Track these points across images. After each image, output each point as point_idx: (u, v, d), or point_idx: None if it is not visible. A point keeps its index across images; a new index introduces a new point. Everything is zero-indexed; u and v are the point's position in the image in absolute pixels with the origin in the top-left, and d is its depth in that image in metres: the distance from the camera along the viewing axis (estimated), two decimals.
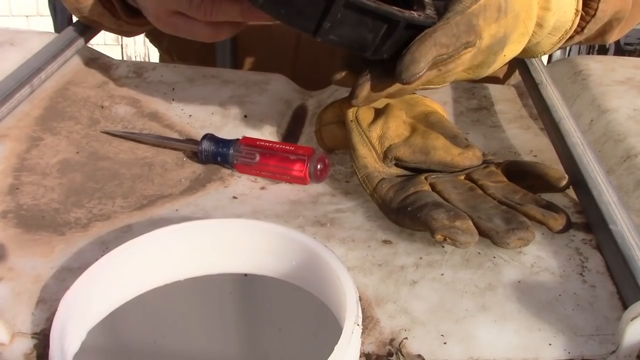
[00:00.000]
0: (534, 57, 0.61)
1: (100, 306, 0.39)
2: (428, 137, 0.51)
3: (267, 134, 0.62)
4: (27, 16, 3.58)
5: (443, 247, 0.44)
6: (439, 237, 0.42)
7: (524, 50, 0.55)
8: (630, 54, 3.20)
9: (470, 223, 0.43)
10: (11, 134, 0.58)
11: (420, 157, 0.50)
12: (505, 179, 0.49)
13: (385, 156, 0.51)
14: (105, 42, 2.48)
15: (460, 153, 0.50)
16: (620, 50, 2.94)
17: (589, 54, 1.31)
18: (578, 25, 0.57)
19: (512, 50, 0.52)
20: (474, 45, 0.46)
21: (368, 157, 0.51)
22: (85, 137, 0.59)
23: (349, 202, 0.51)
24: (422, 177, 0.49)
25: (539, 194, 0.48)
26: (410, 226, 0.46)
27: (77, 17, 0.71)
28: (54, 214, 0.48)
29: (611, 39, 0.66)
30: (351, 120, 0.53)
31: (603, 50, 1.67)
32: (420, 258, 0.43)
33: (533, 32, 0.53)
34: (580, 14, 0.56)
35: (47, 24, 0.93)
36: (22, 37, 0.72)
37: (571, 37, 0.59)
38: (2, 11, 3.27)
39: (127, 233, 0.46)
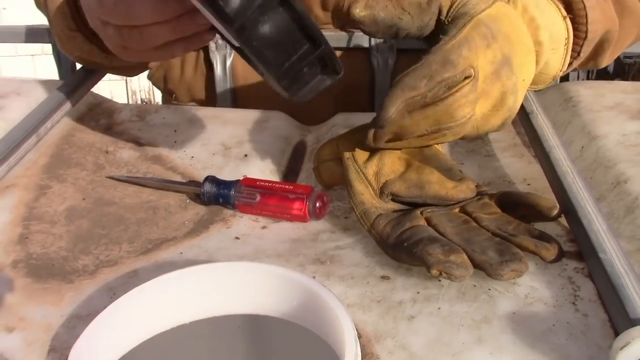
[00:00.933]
0: (551, 81, 0.62)
1: (110, 352, 0.40)
2: (422, 171, 0.53)
3: (268, 172, 0.63)
4: (32, 55, 3.65)
5: (439, 280, 0.46)
6: (434, 271, 0.44)
7: (539, 75, 0.57)
8: (630, 66, 3.22)
9: (465, 257, 0.44)
10: (20, 183, 0.60)
11: (415, 191, 0.52)
12: (498, 210, 0.51)
13: (381, 192, 0.52)
14: (109, 78, 2.54)
15: (454, 186, 0.51)
16: (620, 63, 2.96)
17: (588, 77, 1.33)
18: (574, 50, 0.59)
19: (528, 72, 0.54)
20: (462, 78, 0.48)
21: (365, 193, 0.53)
22: (91, 183, 0.61)
23: (348, 239, 0.52)
24: (418, 211, 0.50)
25: (532, 223, 0.50)
26: (407, 261, 0.47)
27: (74, 60, 0.73)
28: (63, 261, 0.50)
29: (603, 62, 0.68)
30: (347, 158, 0.55)
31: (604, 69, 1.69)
32: (418, 292, 0.45)
33: (536, 50, 0.55)
34: (567, 18, 0.57)
35: (52, 63, 0.95)
36: (28, 87, 0.74)
37: (570, 63, 0.61)
38: (9, 51, 3.34)
39: (133, 278, 0.47)
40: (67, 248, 0.51)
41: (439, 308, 0.43)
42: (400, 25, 0.51)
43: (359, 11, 0.49)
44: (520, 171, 0.61)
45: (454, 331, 0.41)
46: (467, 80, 0.48)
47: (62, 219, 0.55)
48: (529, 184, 0.58)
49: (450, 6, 0.52)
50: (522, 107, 0.65)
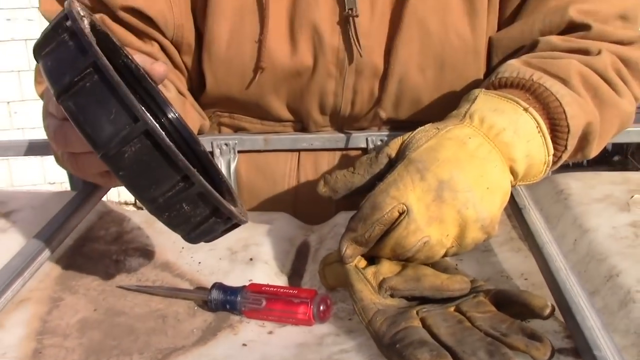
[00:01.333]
0: (543, 173, 0.64)
1: None
2: (419, 268, 0.57)
3: (273, 274, 0.65)
4: (42, 157, 3.72)
5: None
6: None
7: (530, 168, 0.61)
8: (629, 145, 3.27)
9: None
10: (33, 296, 0.62)
11: (412, 284, 0.55)
12: (493, 309, 0.52)
13: (380, 287, 0.55)
14: None
15: (449, 277, 0.55)
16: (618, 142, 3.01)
17: None
18: (560, 144, 0.63)
19: (490, 179, 0.58)
20: (393, 215, 0.55)
21: (364, 290, 0.55)
22: (102, 293, 0.63)
23: (352, 341, 0.54)
24: (414, 311, 0.53)
25: (527, 320, 0.51)
26: None
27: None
28: None
29: (591, 153, 0.71)
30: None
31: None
32: None
33: (506, 149, 0.59)
34: (529, 109, 0.61)
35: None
36: (41, 199, 0.77)
37: (559, 158, 0.64)
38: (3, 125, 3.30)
39: None
40: None
41: None
42: (354, 184, 0.63)
43: (320, 188, 0.64)
44: (518, 266, 0.62)
45: None
46: (402, 216, 0.55)
47: (74, 332, 0.57)
48: (526, 279, 0.60)
49: (398, 149, 0.62)
50: (515, 202, 0.67)
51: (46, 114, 0.59)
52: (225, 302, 0.58)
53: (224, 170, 0.88)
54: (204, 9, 0.77)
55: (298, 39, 0.76)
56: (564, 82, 0.66)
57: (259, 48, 0.76)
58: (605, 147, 0.76)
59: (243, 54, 0.77)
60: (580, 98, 0.66)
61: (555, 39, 0.73)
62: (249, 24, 0.76)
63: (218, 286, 0.59)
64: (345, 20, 0.76)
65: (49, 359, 0.53)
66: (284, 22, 0.77)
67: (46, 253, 0.66)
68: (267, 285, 0.59)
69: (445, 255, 0.58)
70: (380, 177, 0.60)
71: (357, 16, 0.75)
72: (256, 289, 0.58)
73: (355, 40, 0.76)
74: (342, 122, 0.85)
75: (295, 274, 0.67)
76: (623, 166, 3.49)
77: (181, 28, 0.78)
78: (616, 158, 3.57)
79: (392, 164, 0.62)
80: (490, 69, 0.80)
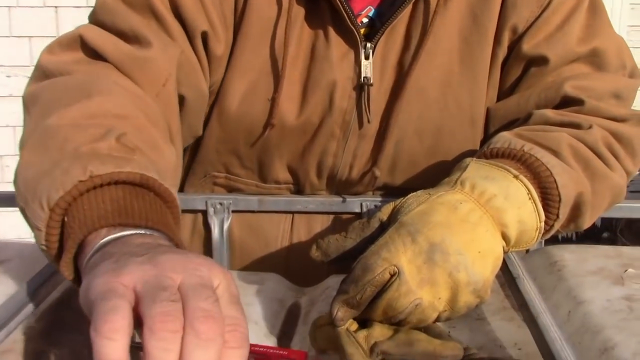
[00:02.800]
0: (535, 240, 0.65)
1: None
2: (411, 333, 0.56)
3: (262, 335, 0.64)
4: None
5: None
6: None
7: (522, 234, 0.61)
8: (618, 221, 3.29)
9: None
10: (17, 348, 0.60)
11: (404, 349, 0.54)
12: None
13: (372, 351, 0.54)
14: None
15: (442, 343, 0.54)
16: (607, 218, 3.04)
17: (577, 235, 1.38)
18: (552, 213, 0.63)
19: (482, 244, 0.58)
20: (384, 277, 0.55)
21: (355, 354, 0.54)
22: (88, 347, 0.61)
23: None
24: None
25: None
26: None
27: None
28: None
29: (584, 224, 0.71)
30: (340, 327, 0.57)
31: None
32: None
33: (497, 214, 0.59)
34: (520, 176, 0.62)
35: None
36: (31, 249, 0.76)
37: (551, 227, 0.64)
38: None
39: None
40: None
41: None
42: (346, 248, 0.63)
43: (313, 252, 0.65)
44: (511, 335, 0.62)
45: None
46: (393, 278, 0.55)
47: None
48: (519, 349, 0.59)
49: (390, 213, 0.62)
50: (509, 271, 0.67)
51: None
52: None
53: (216, 230, 0.87)
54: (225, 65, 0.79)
55: (309, 100, 0.78)
56: (555, 153, 0.67)
57: (272, 106, 0.78)
58: (594, 223, 0.77)
59: (255, 110, 0.79)
60: (571, 169, 0.67)
61: (549, 113, 0.75)
62: (264, 83, 0.78)
63: None
64: (361, 88, 0.78)
65: None
66: (298, 83, 0.79)
67: (32, 305, 0.65)
68: (257, 345, 0.58)
69: (437, 319, 0.58)
70: (372, 240, 0.60)
71: (372, 85, 0.77)
72: None
73: (367, 107, 0.78)
74: (338, 186, 0.85)
75: (284, 335, 0.66)
76: (612, 243, 3.50)
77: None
78: (605, 234, 3.58)
79: (384, 227, 0.62)
80: (487, 138, 0.81)
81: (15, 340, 0.61)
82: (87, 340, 0.62)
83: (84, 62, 0.71)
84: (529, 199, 0.61)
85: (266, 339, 0.64)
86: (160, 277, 0.43)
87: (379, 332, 0.56)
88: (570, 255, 0.71)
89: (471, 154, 0.75)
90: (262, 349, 0.57)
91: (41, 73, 0.71)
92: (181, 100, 0.76)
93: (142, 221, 0.51)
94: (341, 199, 0.86)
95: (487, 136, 0.81)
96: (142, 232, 0.51)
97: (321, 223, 0.86)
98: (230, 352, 0.41)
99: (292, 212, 0.86)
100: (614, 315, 0.59)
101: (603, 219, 2.95)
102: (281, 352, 0.56)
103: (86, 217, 0.52)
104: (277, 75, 0.78)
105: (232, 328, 0.42)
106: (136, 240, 0.50)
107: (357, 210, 0.86)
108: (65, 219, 0.53)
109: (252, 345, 0.58)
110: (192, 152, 0.86)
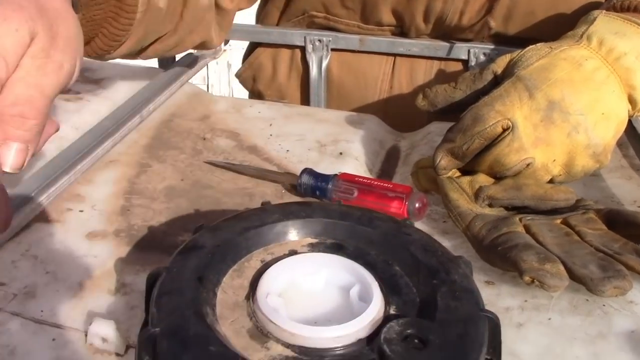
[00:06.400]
0: None
1: None
2: (519, 177, 0.53)
3: (362, 171, 0.63)
4: None
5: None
6: (527, 278, 0.42)
7: None
8: None
9: (561, 267, 0.42)
10: (122, 159, 0.61)
11: (512, 193, 0.51)
12: (604, 227, 0.48)
13: (477, 196, 0.52)
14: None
15: (553, 186, 0.51)
16: None
17: None
18: None
19: (606, 104, 0.53)
20: (496, 130, 0.51)
21: (460, 199, 0.52)
22: (189, 165, 0.61)
23: (447, 242, 0.51)
24: (517, 218, 0.49)
25: None
26: (500, 266, 0.46)
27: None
28: (162, 235, 0.50)
29: None
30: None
31: None
32: (526, 301, 0.43)
33: (627, 75, 0.54)
34: None
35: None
36: (132, 72, 0.76)
37: None
38: None
39: None
40: (166, 223, 0.52)
41: (549, 319, 0.41)
42: (455, 99, 0.59)
43: (419, 101, 0.61)
44: (630, 193, 0.58)
45: (567, 344, 0.39)
46: (506, 132, 0.51)
47: (161, 197, 0.56)
48: (639, 206, 0.56)
49: (506, 66, 0.57)
50: (634, 129, 0.62)
51: None
52: (316, 187, 0.56)
53: (314, 67, 0.84)
54: None
55: None
56: None
57: None
58: None
59: None
60: None
61: None
62: None
63: (309, 171, 0.57)
64: None
65: (137, 217, 0.52)
66: None
67: (136, 120, 0.65)
68: (361, 176, 0.56)
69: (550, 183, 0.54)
70: (483, 93, 0.55)
71: None
72: (349, 179, 0.56)
73: None
74: (445, 32, 0.80)
75: (384, 173, 0.64)
76: None
77: None
78: None
79: (497, 81, 0.57)
80: None
81: (120, 152, 0.62)
82: (189, 159, 0.63)
83: None
84: None
85: (366, 175, 0.62)
86: None
87: (484, 178, 0.53)
88: None
89: (596, 6, 0.68)
90: (366, 180, 0.55)
91: None
92: None
93: None
94: (447, 44, 0.80)
95: None
96: None
97: (424, 70, 0.82)
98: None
99: (394, 55, 0.82)
100: None
101: None
102: (386, 184, 0.55)
103: None
104: None
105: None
106: None
107: (464, 57, 0.81)
108: None
109: (355, 176, 0.56)
110: None
